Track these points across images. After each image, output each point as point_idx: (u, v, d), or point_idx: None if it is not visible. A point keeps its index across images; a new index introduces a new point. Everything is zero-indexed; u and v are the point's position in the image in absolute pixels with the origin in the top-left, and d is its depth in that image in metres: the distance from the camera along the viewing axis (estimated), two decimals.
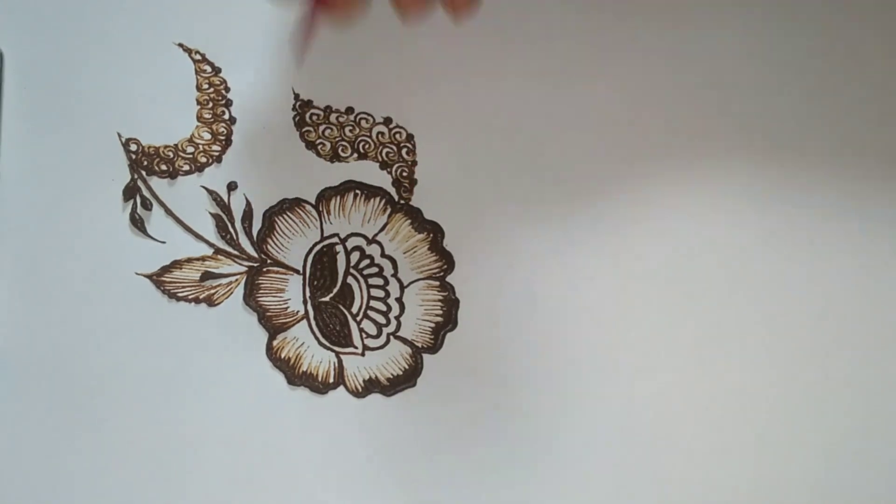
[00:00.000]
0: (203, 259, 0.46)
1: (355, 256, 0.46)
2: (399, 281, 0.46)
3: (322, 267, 0.46)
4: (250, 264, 0.46)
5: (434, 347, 0.46)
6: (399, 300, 0.46)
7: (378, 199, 0.46)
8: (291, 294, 0.46)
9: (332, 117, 0.46)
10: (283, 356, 0.46)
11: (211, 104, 0.46)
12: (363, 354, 0.46)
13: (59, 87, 0.46)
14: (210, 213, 0.46)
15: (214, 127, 0.46)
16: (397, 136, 0.46)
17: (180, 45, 0.46)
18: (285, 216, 0.46)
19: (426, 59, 0.45)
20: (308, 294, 0.46)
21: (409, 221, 0.46)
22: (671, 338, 0.46)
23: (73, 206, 0.46)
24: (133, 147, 0.46)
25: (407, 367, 0.46)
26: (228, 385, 0.46)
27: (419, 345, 0.46)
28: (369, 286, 0.46)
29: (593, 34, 0.46)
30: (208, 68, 0.46)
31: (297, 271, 0.46)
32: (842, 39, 0.46)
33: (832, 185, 0.46)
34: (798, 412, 0.46)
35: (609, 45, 0.46)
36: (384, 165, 0.46)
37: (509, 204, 0.46)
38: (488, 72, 0.46)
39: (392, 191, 0.46)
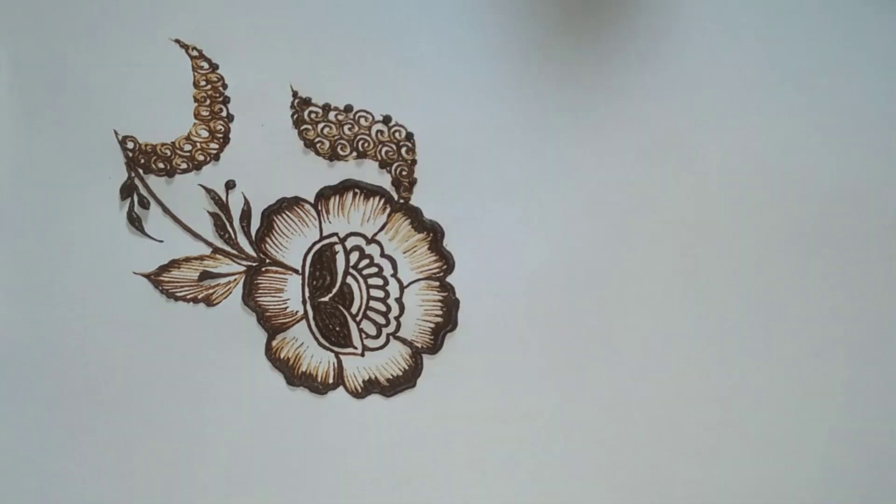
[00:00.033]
0: (201, 258, 0.46)
1: (354, 256, 0.46)
2: (399, 281, 0.46)
3: (321, 267, 0.46)
4: (249, 264, 0.46)
5: (434, 348, 0.46)
6: (399, 300, 0.46)
7: (377, 198, 0.45)
8: (290, 294, 0.46)
9: (331, 115, 0.45)
10: (282, 356, 0.46)
11: (208, 101, 0.45)
12: (363, 355, 0.46)
13: (55, 84, 0.46)
14: (208, 212, 0.46)
15: (212, 124, 0.45)
16: (397, 134, 0.45)
17: (177, 41, 0.45)
18: (284, 215, 0.45)
19: (426, 57, 0.45)
20: (307, 294, 0.46)
21: (408, 221, 0.45)
22: (671, 338, 0.46)
23: (70, 204, 0.46)
24: (130, 145, 0.46)
25: (406, 367, 0.46)
26: (227, 385, 0.46)
27: (419, 345, 0.46)
28: (369, 286, 0.46)
29: (594, 32, 0.45)
30: (205, 65, 0.45)
31: (296, 271, 0.46)
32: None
33: (832, 186, 0.45)
34: (798, 412, 0.46)
35: (610, 46, 0.45)
36: (383, 164, 0.45)
37: (510, 204, 0.45)
38: (489, 70, 0.45)
39: (391, 190, 0.45)
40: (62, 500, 0.46)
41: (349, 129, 0.45)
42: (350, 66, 0.45)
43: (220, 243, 0.46)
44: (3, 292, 0.46)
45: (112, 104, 0.45)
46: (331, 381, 0.46)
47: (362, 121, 0.45)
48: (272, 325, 0.46)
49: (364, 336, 0.46)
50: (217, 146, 0.46)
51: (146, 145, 0.46)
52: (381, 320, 0.46)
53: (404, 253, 0.46)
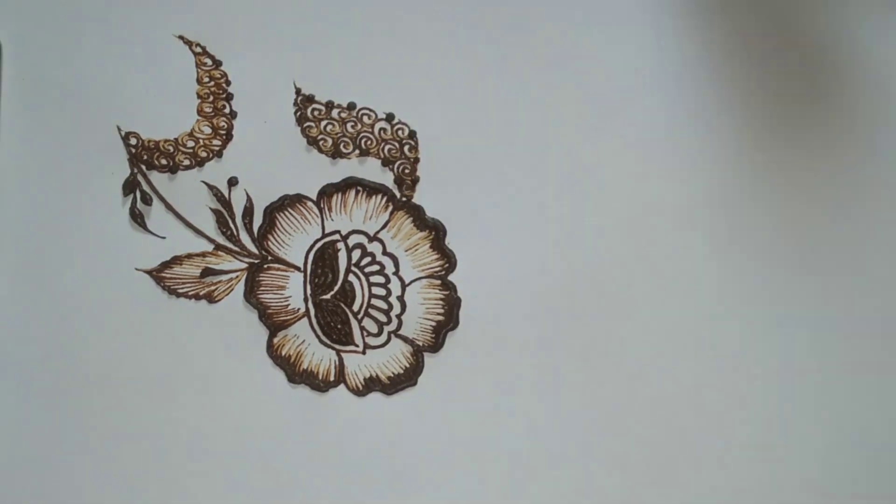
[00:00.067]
0: (203, 255, 0.46)
1: (356, 254, 0.46)
2: (400, 279, 0.46)
3: (323, 264, 0.46)
4: (251, 261, 0.46)
5: (435, 346, 0.46)
6: (400, 298, 0.46)
7: (380, 196, 0.45)
8: (292, 291, 0.46)
9: (334, 113, 0.45)
10: (283, 354, 0.46)
11: (212, 98, 0.45)
12: (364, 353, 0.46)
13: (58, 80, 0.46)
14: (210, 209, 0.46)
15: (215, 121, 0.45)
16: (399, 132, 0.45)
17: (181, 37, 0.45)
18: (286, 212, 0.45)
19: (429, 54, 0.45)
20: (309, 291, 0.46)
21: (410, 219, 0.45)
22: (673, 336, 0.46)
23: (72, 200, 0.46)
24: (133, 141, 0.45)
25: (408, 365, 0.46)
26: (228, 383, 0.46)
27: (420, 343, 0.46)
28: (370, 284, 0.46)
29: (596, 28, 0.45)
30: (209, 61, 0.45)
31: (297, 268, 0.46)
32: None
33: (833, 186, 0.45)
34: (799, 412, 0.46)
35: (610, 46, 0.45)
36: (386, 162, 0.45)
37: (513, 202, 0.45)
38: (492, 68, 0.45)
39: (394, 188, 0.45)
40: (63, 496, 0.46)
41: (352, 126, 0.45)
42: (353, 63, 0.45)
43: (222, 240, 0.46)
44: (5, 288, 0.46)
45: (115, 100, 0.45)
46: (332, 378, 0.46)
47: (365, 118, 0.45)
48: (274, 323, 0.46)
49: (365, 334, 0.46)
50: (220, 143, 0.46)
51: (149, 141, 0.46)
52: (383, 318, 0.46)
53: (406, 251, 0.46)
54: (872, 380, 0.46)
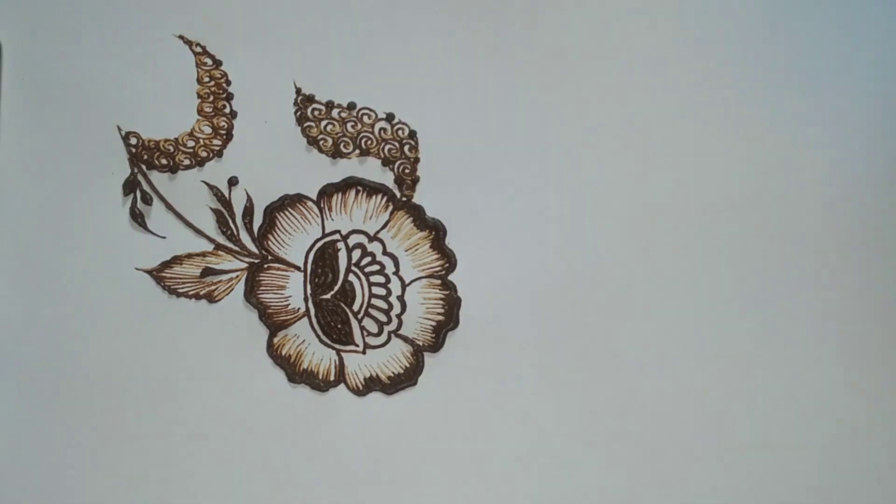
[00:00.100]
0: (203, 255, 0.46)
1: (357, 254, 0.46)
2: (401, 279, 0.46)
3: (323, 264, 0.46)
4: (251, 260, 0.46)
5: (435, 346, 0.46)
6: (400, 298, 0.46)
7: (380, 196, 0.45)
8: (292, 291, 0.46)
9: (334, 113, 0.45)
10: (283, 353, 0.46)
11: (212, 98, 0.45)
12: (364, 352, 0.46)
13: (58, 80, 0.46)
14: (211, 209, 0.46)
15: (215, 121, 0.45)
16: (399, 132, 0.45)
17: (181, 37, 0.45)
18: (286, 212, 0.45)
19: (429, 54, 0.45)
20: (309, 291, 0.46)
21: (410, 219, 0.45)
22: (672, 336, 0.46)
23: (73, 199, 0.46)
24: (133, 140, 0.45)
25: (408, 365, 0.46)
26: (228, 382, 0.46)
27: (420, 343, 0.46)
28: (370, 284, 0.46)
29: (596, 29, 0.45)
30: (209, 61, 0.45)
31: (298, 268, 0.46)
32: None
33: (833, 186, 0.45)
34: (798, 412, 0.46)
35: (611, 46, 0.45)
36: (386, 162, 0.45)
37: (512, 202, 0.45)
38: (492, 68, 0.45)
39: (394, 188, 0.45)
40: (63, 497, 0.46)
41: (352, 126, 0.45)
42: (353, 63, 0.45)
43: (222, 240, 0.46)
44: (6, 288, 0.46)
45: (115, 100, 0.45)
46: (332, 378, 0.46)
47: (365, 118, 0.45)
48: (274, 322, 0.46)
49: (365, 334, 0.46)
50: (220, 143, 0.46)
51: (149, 141, 0.46)
52: (383, 318, 0.46)
53: (406, 251, 0.46)
54: (873, 380, 0.46)
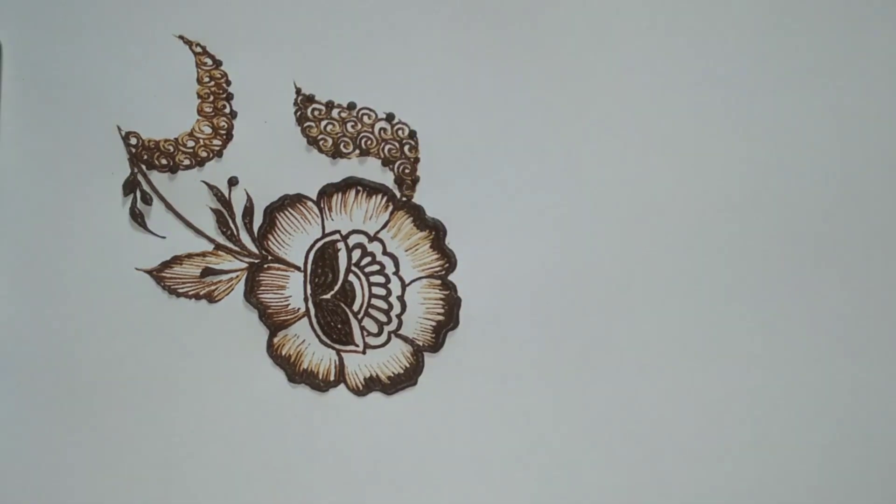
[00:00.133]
0: (203, 255, 0.46)
1: (356, 254, 0.46)
2: (401, 279, 0.46)
3: (323, 264, 0.46)
4: (251, 261, 0.46)
5: (435, 346, 0.46)
6: (400, 298, 0.46)
7: (380, 196, 0.45)
8: (292, 291, 0.46)
9: (334, 112, 0.45)
10: (283, 354, 0.46)
11: (212, 98, 0.45)
12: (364, 352, 0.46)
13: (58, 80, 0.46)
14: (211, 209, 0.46)
15: (215, 121, 0.45)
16: (400, 132, 0.45)
17: (181, 37, 0.45)
18: (286, 212, 0.45)
19: (429, 54, 0.45)
20: (309, 291, 0.46)
21: (410, 219, 0.45)
22: (673, 336, 0.46)
23: (72, 199, 0.46)
24: (133, 140, 0.45)
25: (408, 365, 0.46)
26: (228, 382, 0.46)
27: (420, 343, 0.46)
28: (370, 284, 0.46)
29: (596, 29, 0.45)
30: (209, 61, 0.45)
31: (297, 268, 0.46)
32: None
33: (834, 186, 0.45)
34: (799, 413, 0.46)
35: (612, 46, 0.45)
36: (386, 162, 0.45)
37: (512, 202, 0.45)
38: (492, 68, 0.45)
39: (394, 188, 0.45)
40: (62, 497, 0.46)
41: (352, 126, 0.45)
42: (353, 63, 0.45)
43: (222, 240, 0.46)
44: (5, 288, 0.46)
45: (115, 100, 0.45)
46: (332, 378, 0.46)
47: (365, 118, 0.45)
48: (274, 322, 0.46)
49: (365, 334, 0.46)
50: (220, 143, 0.46)
51: (149, 141, 0.46)
52: (383, 318, 0.46)
53: (406, 251, 0.46)
54: (873, 380, 0.46)
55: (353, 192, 0.45)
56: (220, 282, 0.46)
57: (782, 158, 0.45)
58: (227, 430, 0.46)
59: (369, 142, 0.45)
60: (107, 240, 0.46)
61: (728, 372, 0.46)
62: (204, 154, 0.46)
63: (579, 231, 0.45)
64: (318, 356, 0.46)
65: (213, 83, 0.45)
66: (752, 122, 0.45)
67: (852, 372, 0.46)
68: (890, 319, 0.46)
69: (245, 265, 0.46)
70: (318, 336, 0.46)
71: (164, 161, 0.46)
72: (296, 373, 0.46)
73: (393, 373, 0.46)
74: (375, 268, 0.46)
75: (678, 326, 0.46)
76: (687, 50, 0.45)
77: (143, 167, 0.46)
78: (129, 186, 0.46)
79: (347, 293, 0.46)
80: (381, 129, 0.45)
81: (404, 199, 0.45)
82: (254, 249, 0.46)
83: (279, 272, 0.46)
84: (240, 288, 0.46)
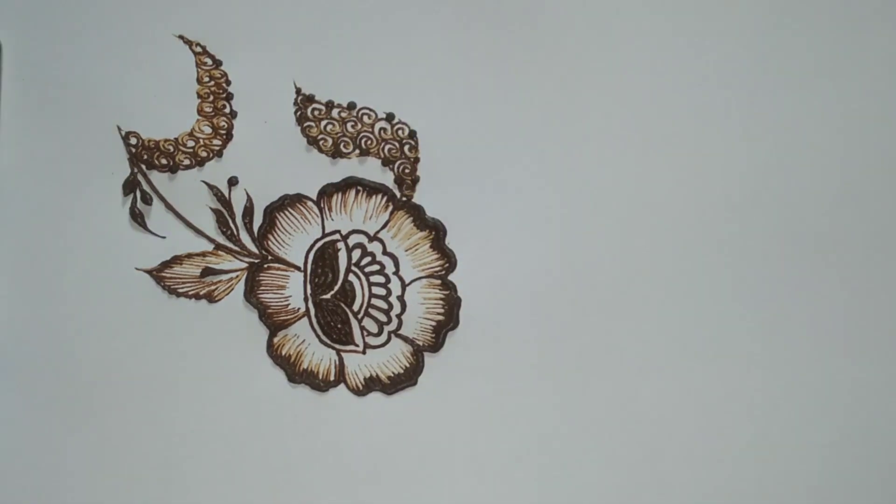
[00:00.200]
0: (203, 255, 0.46)
1: (356, 254, 0.46)
2: (401, 279, 0.46)
3: (323, 264, 0.46)
4: (251, 260, 0.46)
5: (435, 346, 0.46)
6: (400, 298, 0.46)
7: (380, 196, 0.45)
8: (292, 291, 0.46)
9: (334, 112, 0.45)
10: (283, 353, 0.46)
11: (212, 98, 0.45)
12: (364, 352, 0.46)
13: (58, 80, 0.46)
14: (211, 209, 0.46)
15: (215, 121, 0.45)
16: (399, 132, 0.45)
17: (181, 37, 0.45)
18: (286, 212, 0.45)
19: (429, 54, 0.45)
20: (309, 291, 0.46)
21: (410, 219, 0.45)
22: (673, 336, 0.46)
23: (72, 199, 0.46)
24: (133, 140, 0.45)
25: (408, 365, 0.46)
26: (228, 382, 0.46)
27: (420, 343, 0.46)
28: (370, 284, 0.46)
29: (596, 29, 0.45)
30: (209, 61, 0.45)
31: (297, 268, 0.46)
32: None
33: (834, 186, 0.45)
34: (799, 413, 0.46)
35: (612, 46, 0.45)
36: (386, 162, 0.45)
37: (512, 202, 0.45)
38: (492, 68, 0.45)
39: (394, 188, 0.45)
40: (62, 497, 0.46)
41: (352, 126, 0.45)
42: (353, 63, 0.45)
43: (222, 240, 0.46)
44: (5, 288, 0.46)
45: (115, 100, 0.45)
46: (332, 378, 0.46)
47: (365, 118, 0.45)
48: (274, 322, 0.46)
49: (365, 334, 0.46)
50: (220, 142, 0.46)
51: (149, 141, 0.46)
52: (383, 318, 0.46)
53: (406, 251, 0.46)
54: (873, 380, 0.46)
55: (353, 192, 0.45)
56: (220, 282, 0.46)
57: (782, 158, 0.45)
58: (227, 430, 0.46)
59: (369, 142, 0.45)
60: (107, 240, 0.46)
61: (728, 372, 0.46)
62: (204, 154, 0.46)
63: (579, 231, 0.45)
64: (318, 356, 0.46)
65: (213, 83, 0.45)
66: (753, 122, 0.45)
67: (852, 372, 0.46)
68: (890, 319, 0.46)
69: (245, 265, 0.46)
70: (318, 336, 0.46)
71: (164, 161, 0.46)
72: (296, 373, 0.46)
73: (393, 373, 0.46)
74: (375, 268, 0.46)
75: (678, 326, 0.46)
76: (687, 50, 0.45)
77: (143, 167, 0.46)
78: (129, 186, 0.46)
79: (347, 293, 0.46)
80: (381, 129, 0.45)
81: (404, 199, 0.45)
82: (254, 249, 0.46)
83: (279, 272, 0.46)
84: (240, 288, 0.46)
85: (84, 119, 0.45)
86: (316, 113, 0.45)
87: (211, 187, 0.46)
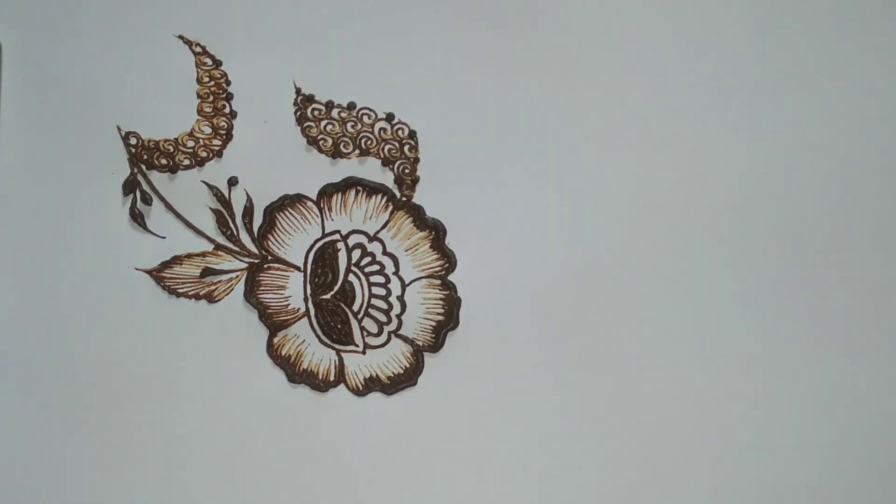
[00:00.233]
0: (203, 255, 0.46)
1: (356, 254, 0.46)
2: (400, 279, 0.46)
3: (323, 264, 0.46)
4: (251, 261, 0.46)
5: (435, 346, 0.46)
6: (400, 298, 0.46)
7: (380, 196, 0.45)
8: (292, 291, 0.46)
9: (334, 112, 0.45)
10: (283, 354, 0.46)
11: (212, 98, 0.45)
12: (364, 353, 0.46)
13: (58, 80, 0.46)
14: (210, 209, 0.46)
15: (215, 121, 0.45)
16: (399, 132, 0.45)
17: (181, 37, 0.45)
18: (286, 212, 0.45)
19: (429, 54, 0.45)
20: (309, 291, 0.46)
21: (410, 219, 0.45)
22: (673, 336, 0.46)
23: (72, 199, 0.46)
24: (133, 141, 0.46)
25: (408, 365, 0.46)
26: (228, 383, 0.46)
27: (420, 343, 0.46)
28: (370, 284, 0.46)
29: (596, 29, 0.45)
30: (209, 61, 0.45)
31: (297, 268, 0.46)
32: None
33: (834, 186, 0.45)
34: (799, 413, 0.46)
35: (612, 46, 0.45)
36: (386, 162, 0.45)
37: (512, 202, 0.45)
38: (492, 68, 0.45)
39: (394, 188, 0.45)
40: (63, 496, 0.46)
41: (352, 126, 0.45)
42: (353, 63, 0.45)
43: (222, 240, 0.46)
44: (5, 288, 0.46)
45: (115, 100, 0.45)
46: (332, 378, 0.46)
47: (365, 118, 0.45)
48: (274, 323, 0.46)
49: (365, 334, 0.46)
50: (220, 143, 0.46)
51: (149, 141, 0.46)
52: (383, 318, 0.46)
53: (406, 251, 0.46)
54: (873, 380, 0.46)
55: (352, 192, 0.45)
56: (219, 282, 0.46)
57: (782, 158, 0.45)
58: (227, 430, 0.46)
59: (369, 142, 0.45)
60: (107, 240, 0.46)
61: (728, 372, 0.46)
62: (204, 154, 0.46)
63: (579, 231, 0.45)
64: (318, 356, 0.46)
65: (212, 83, 0.45)
66: (752, 122, 0.45)
67: (852, 372, 0.46)
68: (890, 319, 0.46)
69: (245, 265, 0.46)
70: (318, 336, 0.46)
71: (163, 161, 0.46)
72: (296, 373, 0.46)
73: (393, 373, 0.46)
74: (375, 268, 0.46)
75: (678, 326, 0.45)
76: (687, 50, 0.45)
77: (143, 167, 0.46)
78: (129, 186, 0.46)
79: (347, 293, 0.46)
80: (381, 129, 0.45)
81: (404, 199, 0.45)
82: (254, 249, 0.46)
83: (279, 272, 0.46)
84: (240, 288, 0.46)
85: (84, 119, 0.46)
86: (316, 113, 0.45)
87: (211, 187, 0.46)
